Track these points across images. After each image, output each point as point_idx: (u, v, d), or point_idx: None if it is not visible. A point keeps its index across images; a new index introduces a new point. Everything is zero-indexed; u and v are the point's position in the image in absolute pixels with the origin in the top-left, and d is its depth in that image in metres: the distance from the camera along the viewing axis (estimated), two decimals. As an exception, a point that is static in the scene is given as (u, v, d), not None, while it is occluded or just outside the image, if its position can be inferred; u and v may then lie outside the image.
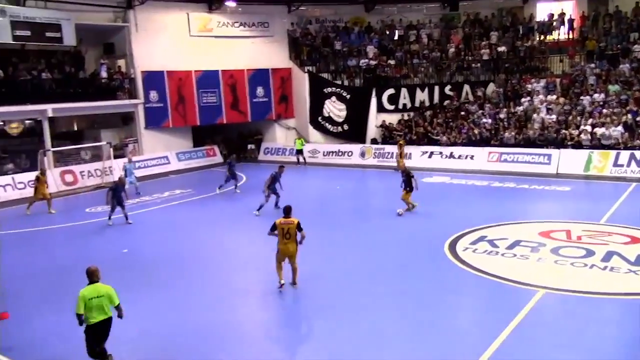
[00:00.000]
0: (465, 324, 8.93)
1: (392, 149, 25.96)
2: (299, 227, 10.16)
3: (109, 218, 16.38)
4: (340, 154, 27.73)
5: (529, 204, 17.43)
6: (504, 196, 18.34)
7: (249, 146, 30.96)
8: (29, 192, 21.15)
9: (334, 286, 10.58)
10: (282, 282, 10.30)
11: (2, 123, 24.40)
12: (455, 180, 21.28)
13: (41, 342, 8.72)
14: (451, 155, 24.38)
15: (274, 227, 10.26)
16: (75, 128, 28.42)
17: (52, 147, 23.48)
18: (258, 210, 16.48)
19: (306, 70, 29.25)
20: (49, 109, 23.01)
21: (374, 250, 12.80)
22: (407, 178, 15.90)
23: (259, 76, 29.41)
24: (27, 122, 24.88)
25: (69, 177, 23.33)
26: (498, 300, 9.65)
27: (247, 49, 28.97)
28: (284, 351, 8.16)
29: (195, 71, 27.88)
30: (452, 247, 12.55)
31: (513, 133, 23.60)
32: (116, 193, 16.11)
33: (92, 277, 7.72)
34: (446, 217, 15.42)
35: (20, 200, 20.73)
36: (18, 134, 24.70)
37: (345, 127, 28.67)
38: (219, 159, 29.40)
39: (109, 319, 7.57)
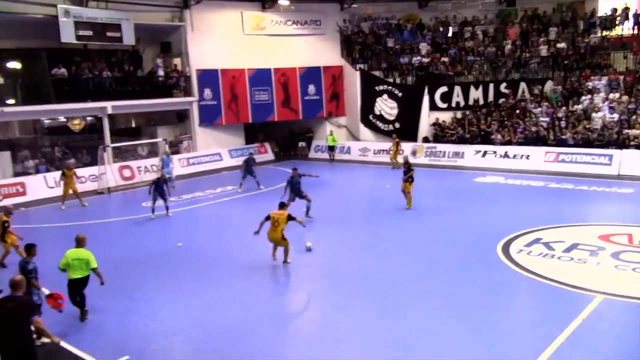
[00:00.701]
0: (518, 328, 8.68)
1: (445, 147, 25.61)
2: (290, 218, 11.87)
3: (152, 212, 16.98)
4: (391, 152, 27.46)
5: (588, 206, 16.79)
6: (561, 197, 17.73)
7: (300, 144, 31.16)
8: (89, 186, 22.13)
9: (383, 285, 10.52)
10: (275, 259, 11.98)
11: (65, 120, 25.50)
12: (510, 181, 20.73)
13: (97, 330, 9.05)
14: (506, 155, 23.77)
15: (268, 217, 11.89)
16: (133, 125, 29.43)
17: (111, 143, 24.33)
18: (307, 213, 15.93)
19: (358, 68, 29.18)
20: (109, 106, 23.86)
21: (424, 250, 12.64)
22: (408, 170, 16.65)
23: (311, 74, 29.55)
24: (88, 118, 25.91)
25: (126, 172, 24.12)
26: (553, 304, 9.33)
27: (299, 47, 29.16)
28: (331, 350, 8.16)
29: (248, 69, 28.29)
30: (506, 249, 12.23)
31: (571, 133, 22.78)
32: (158, 187, 16.80)
33: (79, 243, 9.40)
34: (499, 218, 15.05)
35: (81, 193, 21.58)
36: (80, 130, 25.76)
37: (397, 125, 28.41)
38: (270, 156, 29.73)
39: (85, 277, 9.25)
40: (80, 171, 22.73)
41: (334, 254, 12.78)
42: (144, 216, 17.38)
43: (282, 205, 12.34)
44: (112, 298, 10.40)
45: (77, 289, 9.24)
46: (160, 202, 17.05)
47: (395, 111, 28.32)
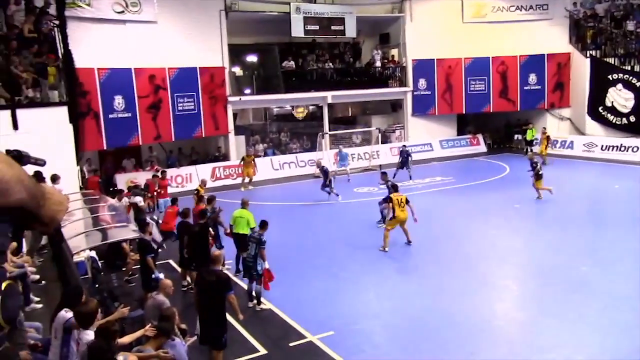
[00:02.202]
0: None
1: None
2: (407, 201, 12.74)
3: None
4: (622, 149, 24.51)
5: None
6: None
7: (516, 136, 29.45)
8: (309, 170, 23.92)
9: (602, 296, 9.55)
10: (387, 249, 12.56)
11: (290, 108, 27.94)
12: None
13: (307, 303, 9.88)
14: None
15: (390, 200, 12.82)
16: (350, 114, 30.95)
17: (329, 130, 25.94)
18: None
19: (588, 55, 26.49)
20: (329, 95, 25.44)
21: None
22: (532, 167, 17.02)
23: (533, 62, 27.64)
24: (311, 107, 28.01)
25: (341, 159, 25.51)
26: None
27: (522, 34, 27.43)
28: (536, 358, 7.73)
29: (465, 58, 27.61)
30: None
31: None
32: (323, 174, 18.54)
33: (243, 205, 11.31)
34: None
35: (301, 176, 23.48)
36: (302, 118, 28.03)
37: (632, 118, 25.16)
38: (482, 148, 28.74)
39: (244, 234, 10.69)
40: (301, 156, 24.89)
41: (548, 256, 11.96)
42: (356, 201, 18.24)
43: (397, 188, 13.65)
44: (323, 276, 11.27)
45: (241, 243, 10.79)
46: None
47: (631, 103, 25.08)
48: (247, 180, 21.75)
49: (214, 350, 7.30)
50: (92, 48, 19.42)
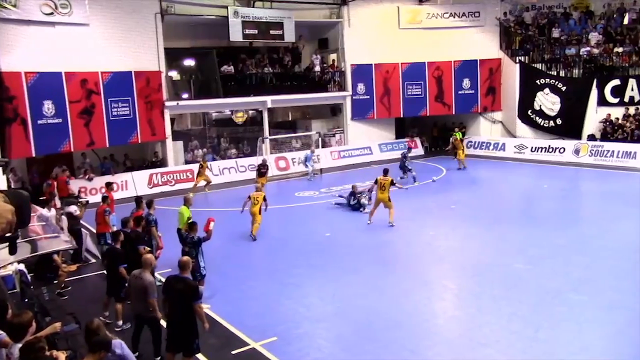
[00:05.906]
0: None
1: (614, 146, 23.38)
2: (392, 183, 15.04)
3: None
4: (550, 150, 25.73)
5: None
6: None
7: (451, 139, 30.32)
8: (249, 175, 23.64)
9: (534, 291, 9.96)
10: (370, 222, 15.18)
11: (230, 112, 27.61)
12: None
13: (249, 310, 9.76)
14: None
15: (375, 181, 15.08)
16: (290, 118, 30.92)
17: (270, 135, 25.80)
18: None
19: (517, 60, 27.66)
20: (269, 100, 25.28)
21: (585, 257, 11.69)
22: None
23: (467, 68, 28.58)
24: (250, 112, 27.76)
25: (282, 163, 25.44)
26: None
27: (456, 40, 28.31)
28: (475, 353, 7.95)
29: (402, 63, 28.17)
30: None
31: None
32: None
33: (186, 202, 12.00)
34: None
35: (241, 182, 23.21)
36: (242, 123, 27.74)
37: (558, 121, 26.47)
38: (420, 151, 29.41)
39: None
40: (241, 161, 24.65)
41: (483, 254, 12.36)
42: (297, 205, 18.24)
43: (387, 172, 15.21)
44: (265, 281, 11.17)
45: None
46: None
47: (557, 106, 26.39)
48: (202, 183, 21.46)
49: (185, 357, 7.29)
50: (19, 51, 18.56)
